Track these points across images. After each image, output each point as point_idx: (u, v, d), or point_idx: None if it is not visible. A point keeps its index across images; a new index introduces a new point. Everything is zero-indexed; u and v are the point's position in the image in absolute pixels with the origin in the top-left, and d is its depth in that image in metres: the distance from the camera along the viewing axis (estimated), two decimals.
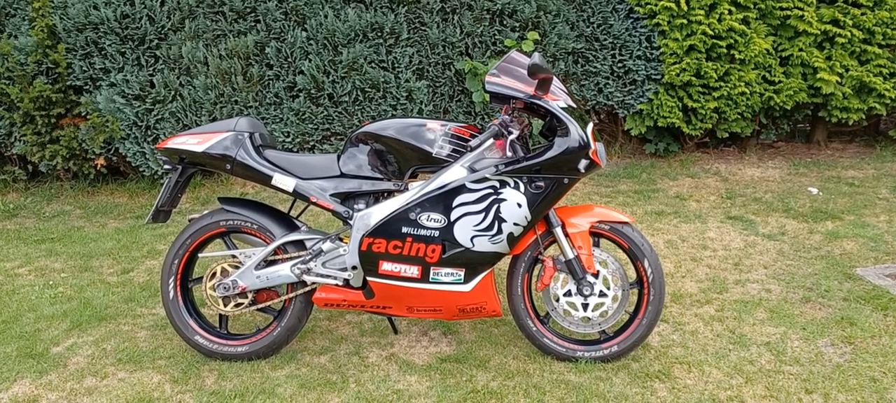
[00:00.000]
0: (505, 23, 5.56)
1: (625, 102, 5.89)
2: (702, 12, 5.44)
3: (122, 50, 5.25)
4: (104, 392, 2.90)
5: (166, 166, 3.11)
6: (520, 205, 2.81)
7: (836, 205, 4.90)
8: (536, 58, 2.62)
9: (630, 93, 5.87)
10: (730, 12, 5.47)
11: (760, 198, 5.13)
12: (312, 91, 5.32)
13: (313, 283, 3.00)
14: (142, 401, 2.83)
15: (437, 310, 2.97)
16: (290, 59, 5.35)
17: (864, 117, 5.90)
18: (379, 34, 5.35)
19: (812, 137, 6.48)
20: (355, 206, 2.94)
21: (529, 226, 2.86)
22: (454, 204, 2.82)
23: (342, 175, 2.97)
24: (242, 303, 3.07)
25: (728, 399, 2.75)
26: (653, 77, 5.77)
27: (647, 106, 5.83)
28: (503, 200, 2.81)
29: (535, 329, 3.03)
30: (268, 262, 3.02)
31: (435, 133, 2.87)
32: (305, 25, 5.34)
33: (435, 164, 2.88)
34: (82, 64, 5.30)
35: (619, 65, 5.80)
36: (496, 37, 5.57)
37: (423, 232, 2.83)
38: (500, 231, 2.82)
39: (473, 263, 2.86)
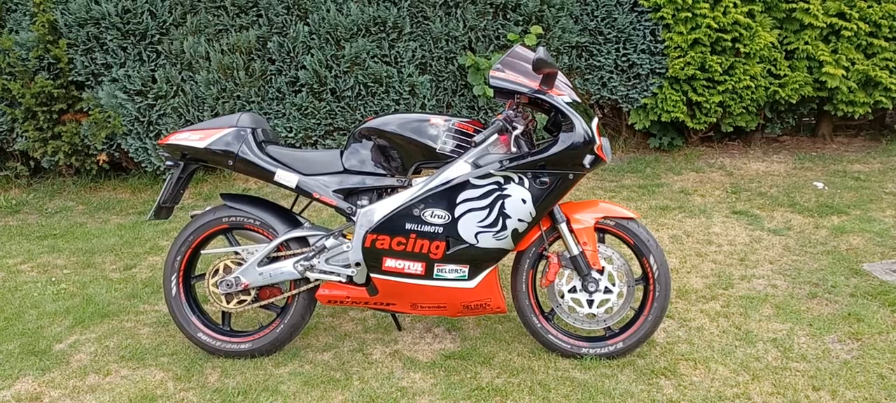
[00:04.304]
0: (508, 16, 5.53)
1: (629, 96, 5.86)
2: (707, 5, 5.40)
3: (124, 45, 5.23)
4: (107, 390, 2.89)
5: (168, 162, 3.09)
6: (524, 201, 2.78)
7: (842, 200, 4.87)
8: (541, 52, 2.60)
9: (634, 88, 5.84)
10: (735, 5, 5.43)
11: (765, 193, 5.11)
12: (315, 86, 5.30)
13: (316, 280, 2.99)
14: (145, 399, 2.82)
15: (442, 307, 2.95)
16: (292, 54, 5.33)
17: (869, 111, 5.86)
18: (382, 28, 5.32)
19: (817, 131, 6.45)
20: (358, 202, 2.92)
21: (534, 222, 2.84)
22: (458, 200, 2.79)
23: (345, 171, 2.95)
24: (245, 300, 3.06)
25: (734, 397, 2.73)
26: (657, 71, 5.74)
27: (651, 100, 5.80)
28: (507, 196, 2.78)
29: (539, 325, 3.01)
30: (271, 259, 3.01)
31: (438, 128, 2.85)
32: (308, 20, 5.31)
33: (438, 160, 2.85)
34: (84, 59, 5.28)
35: (624, 59, 5.77)
36: (499, 31, 5.54)
37: (426, 228, 2.81)
38: (504, 227, 2.80)
39: (478, 259, 2.84)
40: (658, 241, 3.44)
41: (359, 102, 5.37)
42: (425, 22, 5.46)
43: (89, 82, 5.37)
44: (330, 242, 2.97)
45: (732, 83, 5.58)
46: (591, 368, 2.93)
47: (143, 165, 5.50)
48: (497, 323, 3.36)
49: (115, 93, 5.23)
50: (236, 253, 3.06)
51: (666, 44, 5.61)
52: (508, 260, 3.09)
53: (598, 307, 2.95)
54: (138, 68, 5.24)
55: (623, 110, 6.06)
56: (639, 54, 5.71)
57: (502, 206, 2.79)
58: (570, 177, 2.78)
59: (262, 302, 3.07)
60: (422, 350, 3.14)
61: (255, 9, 5.30)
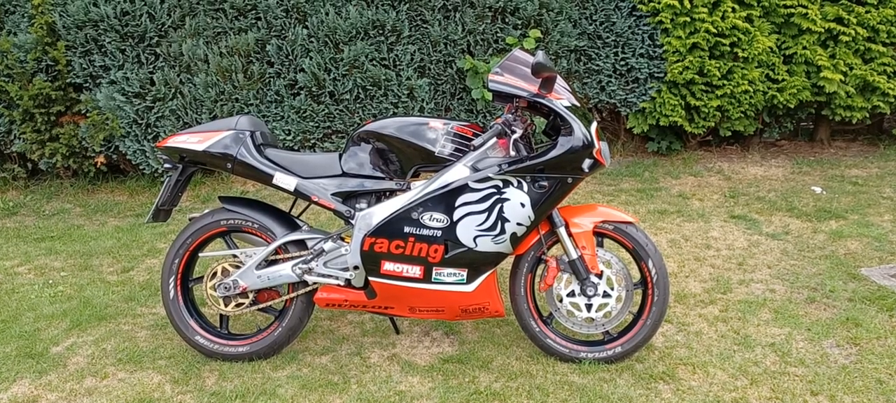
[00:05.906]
0: (507, 20, 5.53)
1: (627, 100, 5.87)
2: (705, 10, 5.41)
3: (122, 47, 5.22)
4: (104, 393, 2.88)
5: (166, 165, 3.09)
6: (523, 205, 2.78)
7: (840, 204, 4.88)
8: (540, 56, 2.60)
9: (633, 92, 5.84)
10: (733, 10, 5.44)
11: (764, 197, 5.11)
12: (313, 89, 5.30)
13: (315, 283, 2.98)
14: (142, 402, 2.81)
15: (440, 311, 2.95)
16: (291, 57, 5.33)
17: (867, 116, 5.87)
18: (380, 32, 5.32)
19: (815, 136, 6.46)
20: (357, 206, 2.92)
21: (533, 226, 2.83)
22: (457, 204, 2.79)
23: (344, 174, 2.95)
24: (243, 303, 3.05)
25: (733, 401, 2.73)
26: (655, 75, 5.74)
27: (649, 104, 5.80)
28: (506, 200, 2.78)
29: (538, 329, 3.01)
30: (269, 262, 3.00)
31: (437, 132, 2.85)
32: (306, 23, 5.31)
33: (437, 163, 2.85)
34: (82, 61, 5.27)
35: (622, 63, 5.77)
36: (498, 34, 5.54)
37: (425, 231, 2.81)
38: (503, 231, 2.80)
39: (476, 263, 2.84)
40: (656, 245, 3.45)
41: (357, 105, 5.37)
42: (424, 25, 5.47)
43: (87, 84, 5.36)
44: (328, 245, 2.96)
45: (731, 87, 5.58)
46: (589, 372, 2.93)
47: (140, 168, 5.48)
48: (495, 326, 3.35)
49: (113, 96, 5.22)
50: (234, 255, 3.06)
51: (664, 48, 5.61)
52: (507, 263, 3.09)
53: (596, 311, 2.94)
54: (137, 70, 5.24)
55: (621, 114, 6.06)
56: (637, 58, 5.72)
57: (501, 210, 2.79)
58: (569, 180, 2.78)
59: (260, 305, 3.06)
60: (420, 353, 3.14)
61: (253, 12, 5.29)
